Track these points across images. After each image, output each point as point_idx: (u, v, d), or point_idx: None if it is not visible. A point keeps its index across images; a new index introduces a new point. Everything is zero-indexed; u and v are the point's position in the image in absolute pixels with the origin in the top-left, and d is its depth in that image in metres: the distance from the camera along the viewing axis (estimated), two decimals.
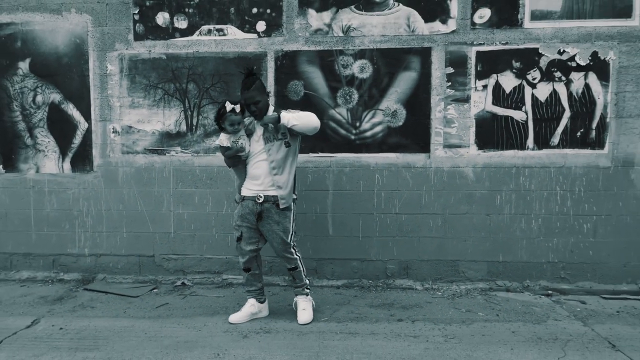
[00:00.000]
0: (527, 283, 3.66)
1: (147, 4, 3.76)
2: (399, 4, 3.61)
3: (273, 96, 3.74)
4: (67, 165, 3.90)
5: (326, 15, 3.66)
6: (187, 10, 3.75)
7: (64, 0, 3.81)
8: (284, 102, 3.72)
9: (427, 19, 3.59)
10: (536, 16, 3.55)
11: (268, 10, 3.69)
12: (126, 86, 3.83)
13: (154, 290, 3.65)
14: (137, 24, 3.78)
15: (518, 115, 3.61)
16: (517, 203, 3.65)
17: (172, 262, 3.90)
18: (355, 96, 3.70)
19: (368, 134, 3.71)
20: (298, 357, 2.50)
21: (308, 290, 3.15)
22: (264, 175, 2.95)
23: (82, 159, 3.89)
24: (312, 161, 3.76)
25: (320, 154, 3.76)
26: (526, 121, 3.61)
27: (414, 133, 3.67)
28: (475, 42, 3.59)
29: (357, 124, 3.71)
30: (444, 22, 3.59)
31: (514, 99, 3.60)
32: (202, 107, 3.79)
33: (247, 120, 3.01)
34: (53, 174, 3.92)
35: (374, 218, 3.76)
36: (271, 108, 2.99)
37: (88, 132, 3.87)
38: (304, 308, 3.07)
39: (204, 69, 3.76)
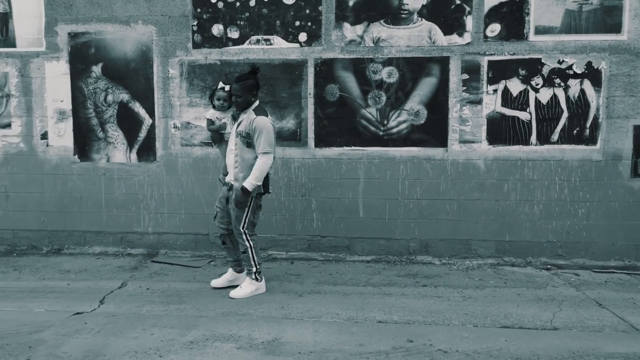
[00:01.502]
0: (529, 259, 4.28)
1: (204, 17, 4.36)
2: (422, 19, 4.20)
3: (312, 97, 4.34)
4: (133, 155, 4.53)
5: (359, 28, 4.26)
6: (238, 22, 4.34)
7: (132, 13, 4.41)
8: (322, 103, 4.33)
9: (446, 32, 4.19)
10: (539, 31, 4.14)
11: (309, 23, 4.29)
12: (185, 88, 4.44)
13: (212, 263, 4.28)
14: (196, 34, 4.38)
15: (523, 115, 4.21)
16: (522, 191, 4.27)
17: None
18: (384, 98, 4.31)
19: (394, 130, 4.32)
20: (347, 309, 3.14)
21: (257, 277, 3.45)
22: (231, 165, 3.39)
23: (146, 150, 4.51)
24: (346, 154, 4.38)
25: (353, 148, 4.37)
26: (530, 120, 4.21)
27: (433, 130, 4.28)
28: (487, 53, 4.18)
29: (385, 122, 4.32)
30: (460, 35, 4.19)
31: (520, 102, 4.20)
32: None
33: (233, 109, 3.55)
34: (121, 163, 4.54)
35: (398, 203, 4.38)
36: (253, 107, 3.36)
37: (152, 127, 4.49)
38: (242, 286, 3.45)
39: None
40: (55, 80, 4.51)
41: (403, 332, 2.77)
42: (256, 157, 3.29)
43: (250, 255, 3.42)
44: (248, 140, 3.31)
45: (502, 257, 4.33)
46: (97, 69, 4.48)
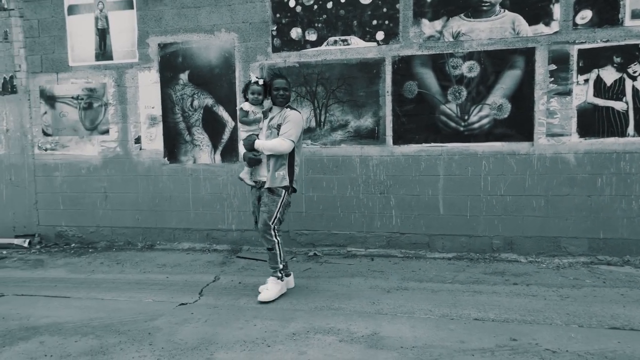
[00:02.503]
0: (627, 258, 4.02)
1: (283, 21, 4.51)
2: (504, 11, 4.09)
3: (389, 95, 4.36)
4: (217, 157, 4.77)
5: (438, 24, 4.21)
6: (316, 24, 4.45)
7: (215, 22, 4.66)
8: (400, 101, 4.33)
9: (531, 22, 4.04)
10: (636, 15, 3.88)
11: (386, 22, 4.31)
12: None
13: (294, 259, 4.42)
14: (275, 39, 4.54)
15: (619, 105, 3.97)
16: (618, 185, 4.02)
17: (304, 236, 4.66)
18: (464, 93, 4.23)
19: (475, 125, 4.23)
20: (439, 306, 3.13)
21: (280, 275, 3.36)
22: (263, 162, 3.35)
23: (229, 152, 4.74)
24: (425, 150, 4.35)
25: (433, 144, 4.33)
26: (627, 111, 3.96)
27: (518, 124, 4.14)
28: (577, 41, 3.99)
29: (466, 117, 4.24)
30: (547, 24, 4.02)
31: (615, 91, 3.96)
32: (329, 106, 4.49)
33: (266, 104, 3.49)
34: (207, 164, 4.80)
35: (480, 199, 4.28)
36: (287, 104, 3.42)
37: (234, 130, 4.70)
38: (268, 288, 3.33)
39: (330, 74, 4.46)
40: (147, 89, 4.86)
41: (503, 330, 2.71)
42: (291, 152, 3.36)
43: (278, 252, 3.35)
44: (279, 131, 3.34)
45: (596, 255, 4.10)
46: (184, 77, 4.77)
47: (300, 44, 4.51)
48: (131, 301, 3.34)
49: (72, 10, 4.96)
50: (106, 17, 4.88)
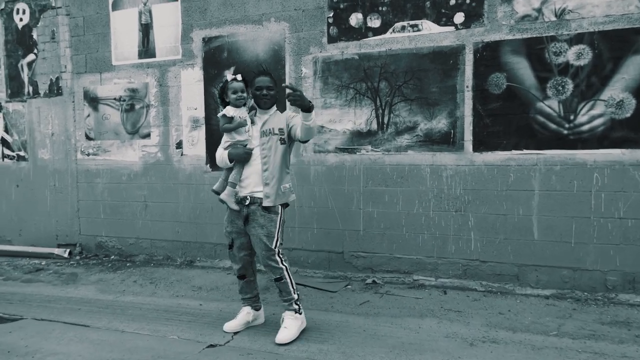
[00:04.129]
0: None
1: (341, 6, 3.86)
2: None
3: (470, 90, 3.54)
4: None
5: (535, 0, 3.35)
6: (380, 8, 3.75)
7: (264, 11, 4.10)
8: (483, 97, 3.50)
9: None
10: None
11: (467, 1, 3.51)
12: (319, 87, 3.98)
13: (348, 287, 3.71)
14: (331, 27, 3.90)
15: None
16: None
17: (361, 259, 3.94)
18: (570, 86, 3.32)
19: (585, 128, 3.30)
20: None
21: (297, 306, 2.80)
22: (254, 174, 2.75)
23: None
24: (514, 159, 3.48)
25: (525, 151, 3.45)
26: None
27: None
28: None
29: (571, 117, 3.32)
30: None
31: None
32: (394, 105, 3.76)
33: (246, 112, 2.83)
34: None
35: (590, 222, 3.33)
36: (274, 106, 2.88)
37: None
38: (286, 326, 2.75)
39: (396, 67, 3.73)
40: (190, 88, 4.40)
41: None
42: (289, 159, 2.87)
43: (288, 280, 2.78)
44: (282, 136, 2.76)
45: None
46: (229, 74, 4.25)
47: (360, 32, 3.83)
48: (153, 337, 2.80)
49: (116, 5, 4.65)
50: (150, 11, 4.51)
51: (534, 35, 3.37)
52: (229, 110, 2.75)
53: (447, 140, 3.63)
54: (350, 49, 3.85)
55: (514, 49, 3.41)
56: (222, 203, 2.85)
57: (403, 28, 3.70)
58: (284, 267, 2.77)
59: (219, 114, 2.81)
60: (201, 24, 4.32)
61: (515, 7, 3.40)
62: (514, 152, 3.47)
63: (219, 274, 4.11)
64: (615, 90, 3.21)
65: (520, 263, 3.51)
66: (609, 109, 3.23)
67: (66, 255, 4.85)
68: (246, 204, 2.76)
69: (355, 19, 3.83)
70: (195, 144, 4.42)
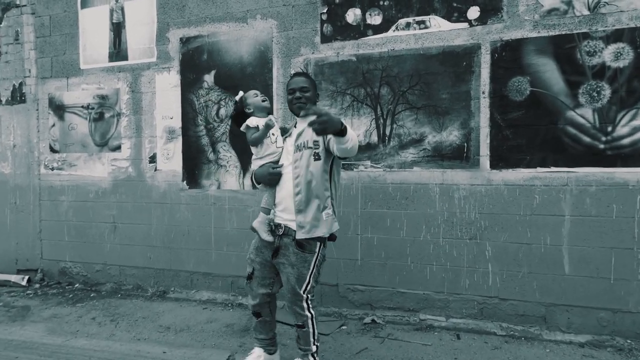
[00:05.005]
0: None
1: (337, 1, 3.36)
2: None
3: (486, 96, 3.02)
4: (247, 181, 3.66)
5: None
6: (381, 3, 3.25)
7: (249, 7, 3.61)
8: (502, 105, 2.98)
9: None
10: None
11: None
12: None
13: (343, 327, 3.14)
14: (325, 25, 3.40)
15: None
16: None
17: (359, 293, 3.37)
18: (606, 92, 2.80)
19: (626, 141, 2.77)
20: None
21: (313, 359, 2.37)
22: (287, 198, 2.28)
23: None
24: (540, 178, 2.94)
25: (553, 169, 2.91)
26: None
27: None
28: None
29: (609, 128, 2.80)
30: None
31: None
32: (397, 114, 3.24)
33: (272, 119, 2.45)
34: (233, 190, 3.70)
35: (633, 254, 2.78)
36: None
37: None
38: None
39: (400, 70, 3.21)
40: (165, 94, 3.89)
41: None
42: (329, 170, 2.29)
43: (311, 330, 2.34)
44: (316, 150, 2.23)
45: None
46: (209, 78, 3.75)
47: (358, 30, 3.32)
48: None
49: (85, 2, 4.16)
50: (122, 9, 4.01)
51: (563, 32, 2.86)
52: (252, 121, 2.42)
53: (460, 156, 3.10)
54: (346, 50, 3.35)
55: (539, 49, 2.90)
56: (254, 232, 2.41)
57: (408, 25, 3.19)
58: (309, 314, 2.32)
59: (242, 127, 2.48)
60: (179, 22, 3.83)
61: (540, 0, 2.89)
62: (539, 169, 2.94)
63: (194, 309, 3.54)
64: None
65: (548, 302, 2.95)
66: None
67: (24, 283, 4.27)
68: (279, 233, 2.30)
69: (352, 15, 3.33)
70: (170, 158, 3.89)
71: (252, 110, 2.45)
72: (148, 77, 3.93)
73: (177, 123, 3.85)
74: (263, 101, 2.46)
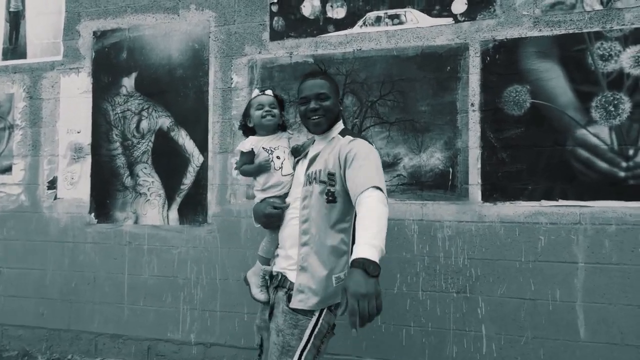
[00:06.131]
0: None
1: None
2: None
3: (476, 109, 2.38)
4: (173, 214, 2.84)
5: None
6: None
7: None
8: (497, 120, 2.35)
9: None
10: None
11: None
12: None
13: None
14: (276, 18, 2.72)
15: None
16: None
17: None
18: (626, 106, 2.22)
19: None
20: None
21: None
22: (290, 244, 1.69)
23: (192, 206, 2.80)
24: (546, 214, 2.30)
25: (562, 203, 2.28)
26: None
27: None
28: None
29: (630, 151, 2.21)
30: None
31: None
32: (365, 131, 2.55)
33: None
34: (155, 225, 2.86)
35: None
36: (338, 127, 1.76)
37: (203, 169, 2.79)
38: None
39: (368, 75, 2.55)
40: (72, 102, 3.05)
41: None
42: (350, 218, 1.63)
43: None
44: (331, 186, 1.58)
45: None
46: (128, 82, 2.96)
47: (317, 26, 2.66)
48: None
49: None
50: None
51: (570, 31, 2.29)
52: (248, 142, 1.83)
53: (444, 184, 2.43)
54: (302, 49, 2.66)
55: (541, 51, 2.32)
56: (246, 285, 1.89)
57: (378, 20, 2.56)
58: None
59: (236, 149, 2.05)
60: (92, 12, 3.05)
61: None
62: (544, 203, 2.30)
63: None
64: None
65: None
66: None
67: None
68: (275, 285, 1.74)
69: (310, 6, 2.66)
70: (75, 183, 3.02)
71: (252, 123, 1.87)
72: (51, 79, 3.10)
73: (85, 138, 3.01)
74: (264, 116, 1.81)
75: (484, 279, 2.37)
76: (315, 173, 1.63)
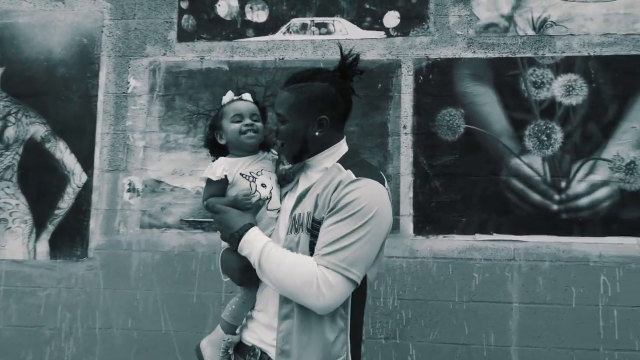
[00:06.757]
0: None
1: None
2: None
3: (409, 132, 2.16)
4: (42, 246, 2.24)
5: (504, 2, 2.19)
6: None
7: None
8: (429, 143, 2.15)
9: None
10: None
11: None
12: (158, 115, 2.28)
13: None
14: (185, 16, 2.32)
15: None
16: None
17: None
18: (558, 135, 2.13)
19: (583, 201, 2.09)
20: None
21: None
22: (270, 309, 1.23)
23: (69, 236, 2.23)
24: (480, 249, 2.11)
25: (496, 237, 2.10)
26: None
27: None
28: None
29: (562, 183, 2.11)
30: None
31: None
32: None
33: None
34: (17, 260, 2.24)
35: (600, 357, 2.03)
36: (338, 150, 1.28)
37: (86, 190, 2.26)
38: None
39: None
40: None
41: None
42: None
43: None
44: (313, 234, 1.18)
45: None
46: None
47: (234, 28, 2.30)
48: None
49: None
50: None
51: (504, 55, 2.17)
52: (216, 168, 1.30)
53: None
54: (216, 54, 2.29)
55: (475, 74, 2.17)
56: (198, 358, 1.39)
57: (304, 27, 2.27)
58: None
59: (202, 175, 1.36)
60: None
61: (475, 11, 2.20)
62: (478, 237, 2.11)
63: None
64: (624, 145, 2.09)
65: None
66: (616, 173, 2.08)
67: None
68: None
69: (226, 6, 2.31)
70: None
71: (224, 140, 1.36)
72: None
73: None
74: (243, 132, 1.31)
75: (415, 322, 2.10)
76: (302, 217, 1.17)
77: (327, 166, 1.25)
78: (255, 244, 1.16)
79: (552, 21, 2.15)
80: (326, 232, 1.11)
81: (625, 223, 2.05)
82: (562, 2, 2.15)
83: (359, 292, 1.16)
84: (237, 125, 1.31)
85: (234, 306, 1.33)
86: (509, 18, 2.18)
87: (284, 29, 2.27)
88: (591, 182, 2.08)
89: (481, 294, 2.09)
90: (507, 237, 2.10)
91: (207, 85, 2.26)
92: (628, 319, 2.02)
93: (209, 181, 1.31)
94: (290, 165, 1.38)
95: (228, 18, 2.30)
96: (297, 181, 1.33)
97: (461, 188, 2.13)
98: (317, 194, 1.17)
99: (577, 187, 2.09)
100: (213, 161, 1.36)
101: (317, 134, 1.23)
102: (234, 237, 1.20)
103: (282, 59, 2.25)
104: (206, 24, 2.31)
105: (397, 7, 2.22)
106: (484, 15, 2.19)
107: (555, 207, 2.09)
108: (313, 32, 2.25)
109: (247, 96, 1.39)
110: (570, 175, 2.10)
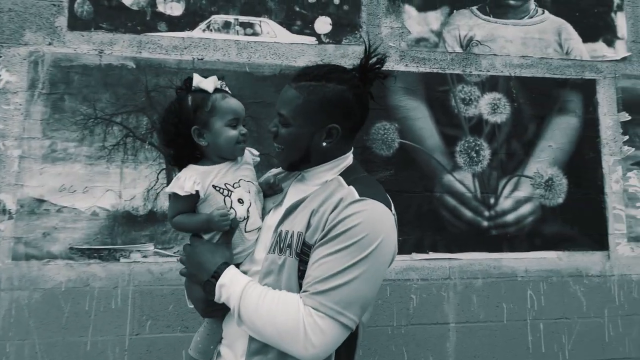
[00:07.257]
0: None
1: None
2: (543, 12, 2.29)
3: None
4: None
5: (434, 18, 2.18)
6: None
7: None
8: (364, 158, 2.02)
9: (586, 37, 2.30)
10: None
11: (336, 1, 2.12)
12: (41, 117, 1.83)
13: None
14: (79, 0, 1.93)
15: None
16: None
17: None
18: (486, 152, 2.15)
19: (510, 217, 2.12)
20: None
21: None
22: (237, 338, 1.04)
23: None
24: (417, 269, 2.01)
25: (432, 255, 2.03)
26: None
27: (581, 216, 2.16)
28: None
29: (491, 200, 2.12)
30: (609, 44, 2.33)
31: None
32: None
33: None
34: None
35: None
36: (328, 167, 1.09)
37: None
38: None
39: None
40: None
41: None
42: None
43: None
44: (302, 258, 0.98)
45: None
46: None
47: (143, 20, 1.97)
48: None
49: None
50: None
51: (435, 70, 2.15)
52: (187, 179, 1.03)
53: None
54: (119, 48, 1.92)
55: (408, 87, 2.11)
56: None
57: (227, 25, 2.02)
58: None
59: (168, 189, 1.08)
60: None
61: (407, 24, 2.16)
62: (415, 256, 2.03)
63: None
64: (542, 163, 2.18)
65: None
66: (537, 189, 2.16)
67: None
68: None
69: None
70: None
71: (206, 142, 1.08)
72: None
73: None
74: (239, 142, 1.11)
75: None
76: (290, 237, 0.95)
77: (327, 179, 1.05)
78: (233, 288, 0.92)
79: (477, 40, 2.20)
80: (318, 264, 0.89)
81: (547, 238, 2.12)
82: (485, 23, 2.21)
83: (350, 336, 0.95)
84: (234, 133, 1.08)
85: (198, 338, 1.13)
86: (439, 34, 2.17)
87: (203, 25, 1.99)
88: (516, 199, 2.13)
89: (419, 316, 1.99)
90: (442, 256, 2.04)
91: (108, 85, 1.88)
92: (552, 331, 2.08)
93: (175, 195, 1.05)
94: (279, 171, 1.17)
95: (135, 7, 1.95)
96: (282, 198, 1.10)
97: (397, 205, 2.03)
98: (311, 209, 0.95)
99: (504, 203, 2.13)
100: (173, 166, 1.12)
101: (324, 144, 1.04)
102: (209, 284, 0.95)
103: (202, 59, 1.97)
104: (106, 12, 1.93)
105: (329, 13, 2.09)
106: (415, 29, 2.15)
107: (485, 223, 2.10)
108: (237, 31, 2.01)
109: (220, 84, 1.13)
110: (497, 192, 2.13)
